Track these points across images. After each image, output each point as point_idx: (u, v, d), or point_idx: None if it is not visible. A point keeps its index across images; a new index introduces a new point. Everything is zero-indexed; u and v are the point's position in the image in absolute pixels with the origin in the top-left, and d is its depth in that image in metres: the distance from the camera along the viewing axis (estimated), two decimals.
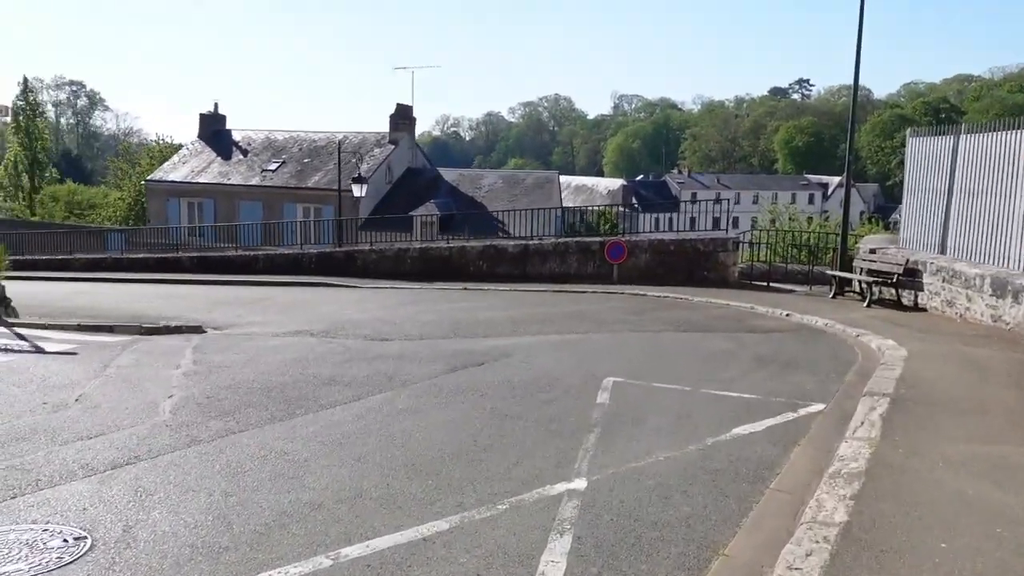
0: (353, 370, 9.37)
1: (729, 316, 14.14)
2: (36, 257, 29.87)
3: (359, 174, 27.38)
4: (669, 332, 12.33)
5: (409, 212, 35.94)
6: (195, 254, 26.58)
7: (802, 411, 7.61)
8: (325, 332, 12.64)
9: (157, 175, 44.58)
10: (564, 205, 43.91)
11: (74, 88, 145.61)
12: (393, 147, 41.92)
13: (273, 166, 42.26)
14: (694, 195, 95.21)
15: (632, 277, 19.77)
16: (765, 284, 18.66)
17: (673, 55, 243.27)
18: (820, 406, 7.81)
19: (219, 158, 43.90)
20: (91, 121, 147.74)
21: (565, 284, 19.91)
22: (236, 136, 45.58)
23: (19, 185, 60.01)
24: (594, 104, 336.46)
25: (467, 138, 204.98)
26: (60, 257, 29.11)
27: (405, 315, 14.55)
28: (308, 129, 45.27)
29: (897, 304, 15.03)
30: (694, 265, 19.25)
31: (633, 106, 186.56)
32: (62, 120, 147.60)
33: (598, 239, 20.63)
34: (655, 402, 7.91)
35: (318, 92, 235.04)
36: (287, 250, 25.33)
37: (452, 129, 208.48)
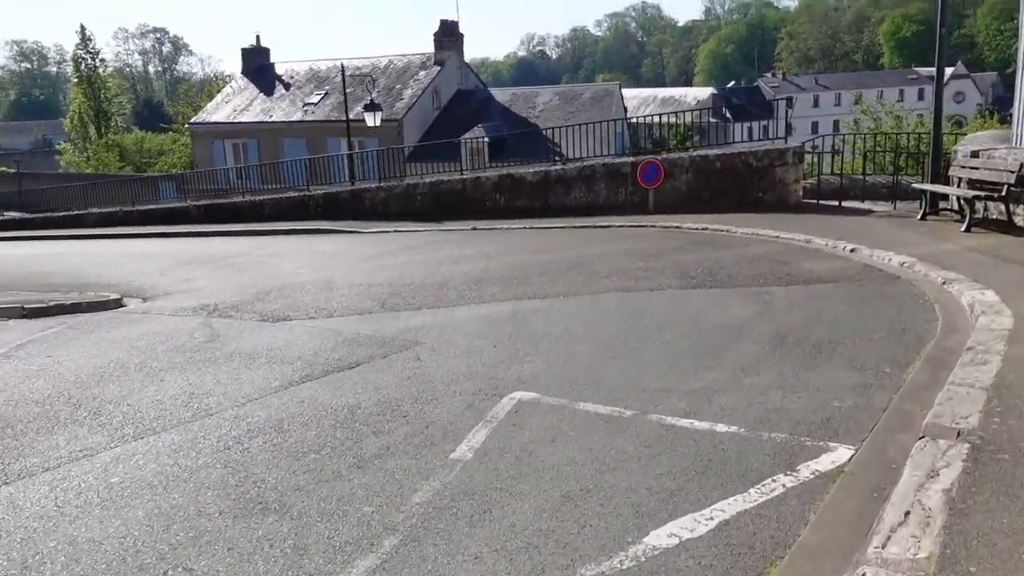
0: (149, 389, 6.43)
1: (771, 256, 10.52)
2: (50, 214, 28.32)
3: (371, 100, 24.20)
4: (673, 290, 8.89)
5: (457, 138, 32.70)
6: (203, 202, 24.26)
7: (809, 469, 4.25)
8: (236, 306, 9.86)
9: (201, 117, 42.64)
10: (635, 117, 39.73)
11: (158, 36, 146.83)
12: (439, 69, 38.51)
13: (315, 99, 39.58)
14: (790, 99, 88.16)
15: (672, 203, 16.15)
16: (836, 204, 14.74)
17: None
18: (845, 451, 4.43)
19: (262, 94, 41.53)
20: (177, 67, 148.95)
21: (591, 217, 16.48)
22: (279, 70, 43.04)
23: (86, 136, 59.54)
24: (684, 9, 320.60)
25: (553, 56, 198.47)
26: (74, 212, 27.36)
27: (359, 274, 11.59)
28: (352, 55, 42.29)
29: (1008, 226, 11.07)
30: (746, 185, 15.45)
31: (726, 8, 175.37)
32: (150, 68, 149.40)
33: (629, 160, 16.97)
34: (554, 454, 4.67)
35: (369, 15, 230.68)
36: (294, 193, 22.65)
37: (538, 48, 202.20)
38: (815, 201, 15.14)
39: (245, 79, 43.12)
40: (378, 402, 5.67)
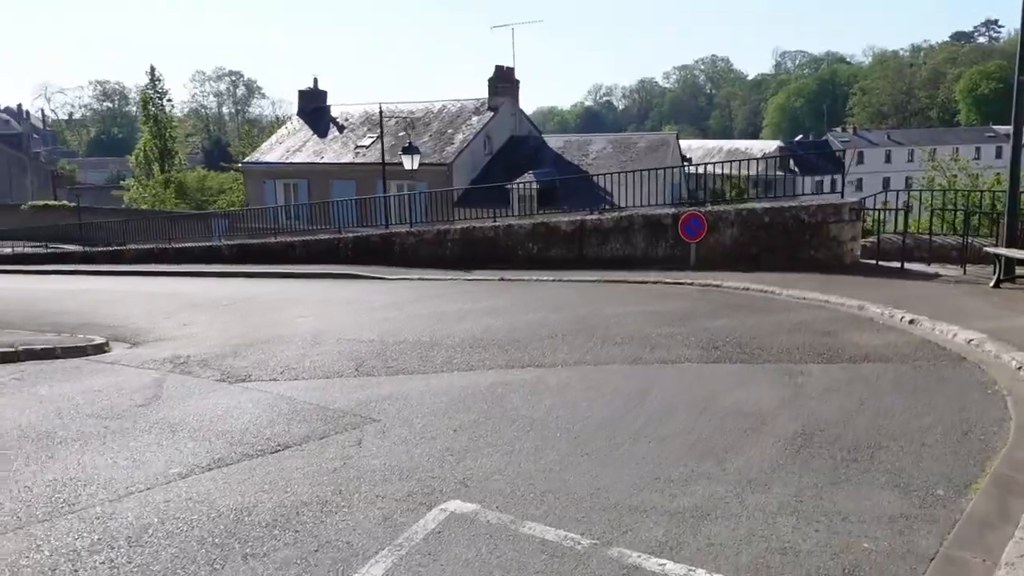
0: (29, 469, 5.39)
1: (814, 325, 9.11)
2: (95, 248, 28.19)
3: (409, 143, 23.46)
4: (691, 364, 7.58)
5: (506, 183, 31.81)
6: (236, 242, 23.69)
7: None
8: (206, 360, 8.90)
9: (254, 156, 42.74)
10: (690, 166, 38.35)
11: (233, 78, 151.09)
12: (492, 114, 37.87)
13: (367, 142, 39.27)
14: (860, 154, 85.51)
15: (716, 259, 14.79)
16: (898, 266, 13.20)
17: (841, 4, 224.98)
18: None
19: (315, 136, 41.45)
20: (249, 109, 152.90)
21: (626, 270, 15.23)
22: (334, 112, 43.00)
23: (150, 173, 60.51)
24: (754, 64, 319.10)
25: (620, 107, 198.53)
26: (113, 248, 27.14)
27: (356, 326, 10.58)
28: (406, 100, 42.05)
29: None
30: (797, 242, 14.01)
31: (796, 63, 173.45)
32: (223, 109, 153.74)
33: (670, 211, 15.69)
34: None
35: (423, 62, 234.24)
36: (325, 236, 21.87)
37: (605, 98, 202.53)
38: (874, 262, 13.62)
39: (300, 120, 43.18)
40: (277, 506, 4.50)
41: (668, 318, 10.01)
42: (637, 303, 11.42)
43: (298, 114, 43.80)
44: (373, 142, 39.19)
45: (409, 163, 22.69)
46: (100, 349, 10.87)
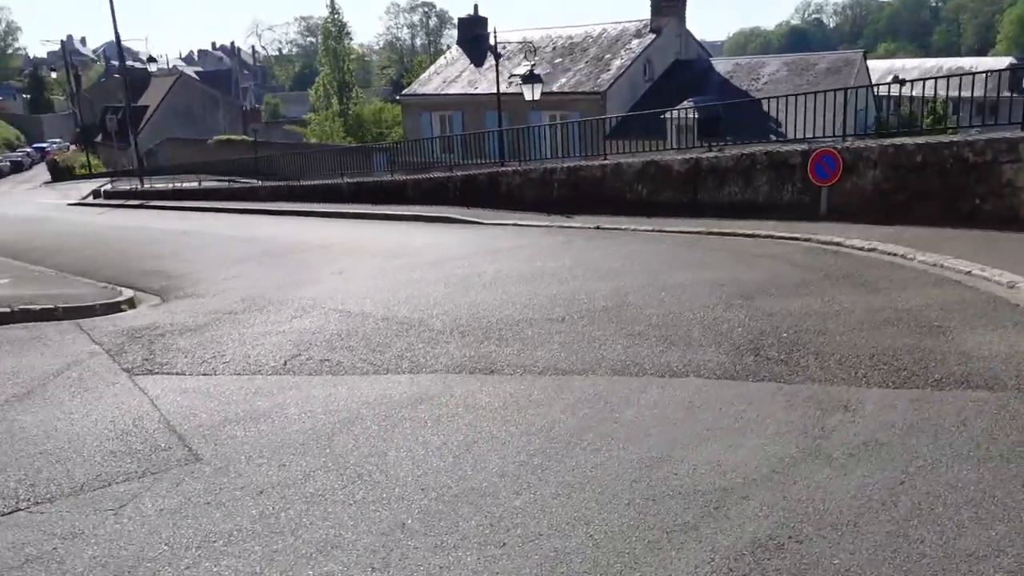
0: None
1: (923, 317, 6.50)
2: (240, 184, 28.44)
3: (530, 71, 21.33)
4: (699, 379, 5.34)
5: (665, 112, 28.94)
6: (355, 180, 22.79)
7: None
8: (163, 334, 7.69)
9: (412, 88, 41.96)
10: (878, 85, 33.57)
11: (425, 9, 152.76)
12: (654, 36, 34.70)
13: (521, 70, 37.25)
14: None
15: (853, 207, 11.90)
16: None
17: None
18: None
19: (472, 65, 40.00)
20: (441, 40, 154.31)
21: (744, 219, 12.69)
22: (492, 40, 41.19)
23: (328, 107, 61.84)
24: None
25: (831, 25, 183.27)
26: (249, 185, 27.21)
27: (379, 288, 9.21)
28: (566, 24, 39.57)
29: None
30: (957, 188, 10.85)
31: None
32: (416, 41, 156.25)
33: (799, 148, 12.78)
34: None
35: None
36: (438, 173, 20.42)
37: (814, 16, 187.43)
38: None
39: (459, 50, 41.81)
40: None
41: (734, 292, 7.66)
42: (716, 267, 9.05)
43: (457, 43, 42.47)
44: (529, 69, 37.15)
45: (529, 93, 20.63)
46: (114, 308, 10.10)
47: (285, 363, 6.30)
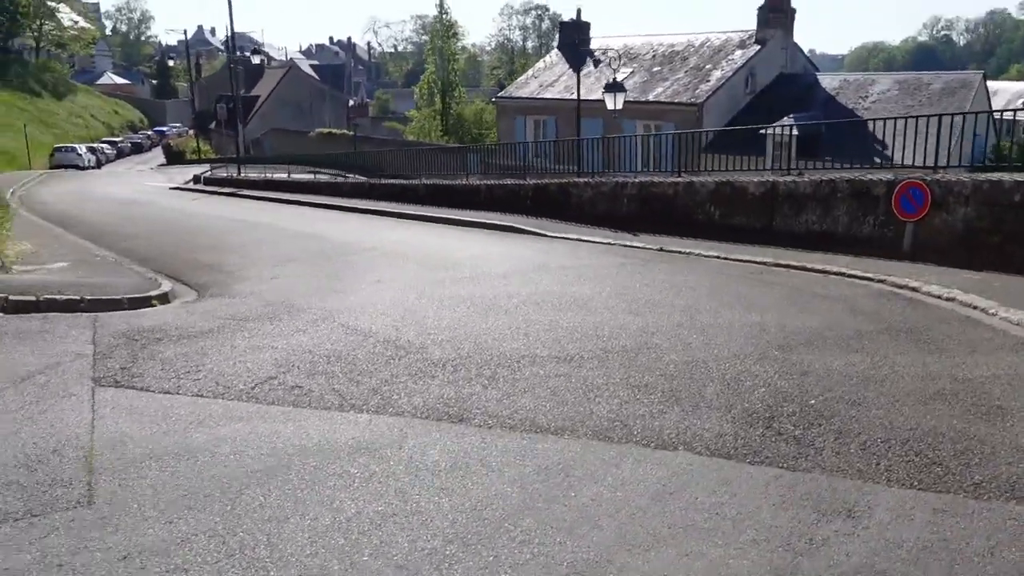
0: None
1: (983, 392, 5.52)
2: (327, 178, 28.57)
3: (614, 78, 20.48)
4: (689, 453, 4.55)
5: (763, 129, 27.61)
6: (430, 182, 22.49)
7: None
8: (163, 338, 7.35)
9: (508, 91, 41.61)
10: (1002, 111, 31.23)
11: (538, 12, 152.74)
12: (758, 48, 33.28)
13: (620, 77, 36.36)
14: None
15: (941, 246, 10.73)
16: None
17: None
18: None
19: (570, 70, 39.27)
20: (553, 43, 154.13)
21: (820, 251, 11.69)
22: (594, 45, 40.49)
23: (432, 104, 62.17)
24: None
25: (960, 43, 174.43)
26: (336, 180, 27.29)
27: (390, 307, 8.60)
28: (670, 32, 38.46)
29: None
30: None
31: None
32: (527, 43, 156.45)
33: (884, 178, 11.61)
34: None
35: None
36: (511, 181, 19.86)
37: (943, 33, 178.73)
38: None
39: (559, 54, 41.20)
40: None
41: (775, 341, 6.79)
42: (766, 308, 8.15)
43: (558, 47, 41.92)
44: (626, 77, 36.25)
45: (611, 102, 19.82)
46: (143, 303, 9.92)
47: (254, 387, 5.82)
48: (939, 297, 8.68)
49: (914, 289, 9.12)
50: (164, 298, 10.34)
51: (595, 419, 5.07)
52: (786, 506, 3.91)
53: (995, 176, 10.39)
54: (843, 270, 10.34)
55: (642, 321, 7.61)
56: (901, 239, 11.19)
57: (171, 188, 34.83)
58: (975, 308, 8.14)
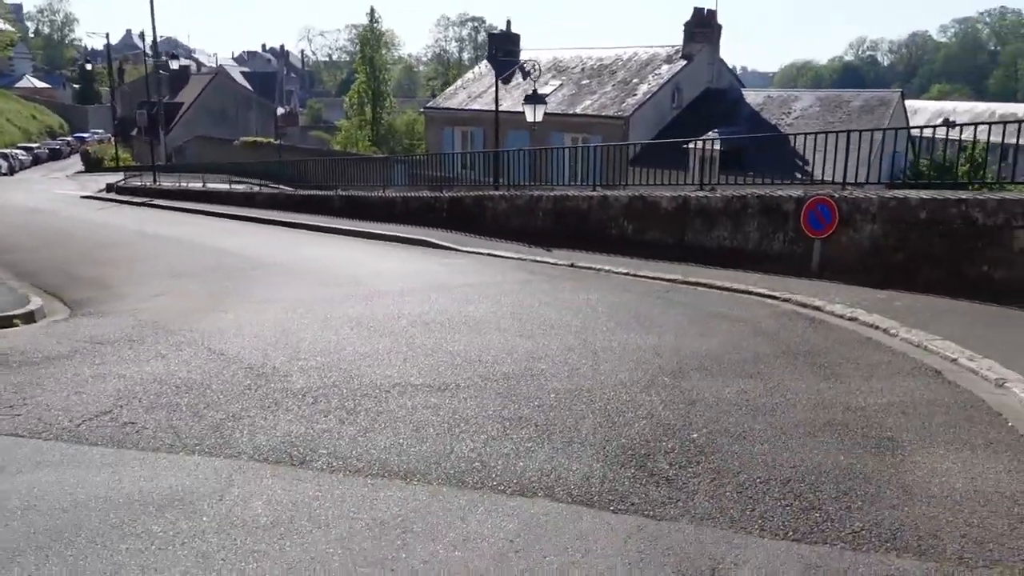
0: None
1: (876, 423, 5.20)
2: (241, 188, 27.64)
3: (534, 90, 20.14)
4: (560, 504, 4.11)
5: (688, 143, 27.56)
6: (347, 194, 21.77)
7: None
8: (49, 360, 6.59)
9: (438, 102, 41.09)
10: (912, 128, 31.99)
11: (475, 24, 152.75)
12: (684, 63, 33.41)
13: (548, 89, 36.19)
14: None
15: (848, 264, 10.56)
16: None
17: None
18: None
19: (499, 82, 38.95)
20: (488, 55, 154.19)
21: (728, 267, 11.43)
22: (523, 57, 40.22)
23: (362, 115, 61.30)
24: None
25: (884, 63, 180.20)
26: (250, 192, 26.36)
27: (296, 338, 7.96)
28: (597, 46, 38.50)
29: None
30: (964, 251, 9.45)
31: None
32: (464, 55, 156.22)
33: (794, 195, 11.45)
34: None
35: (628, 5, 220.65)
36: (427, 193, 19.33)
37: (868, 53, 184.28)
38: None
39: (488, 65, 40.87)
40: None
41: (667, 366, 6.40)
42: (665, 330, 7.77)
43: (488, 59, 41.57)
44: (554, 91, 36.09)
45: (531, 114, 19.42)
46: (4, 323, 9.15)
47: (80, 424, 5.17)
48: (842, 317, 8.44)
49: (818, 308, 8.87)
50: (29, 317, 9.58)
51: (453, 460, 4.57)
52: (644, 565, 3.46)
53: (902, 193, 10.24)
54: (750, 288, 10.07)
55: (532, 344, 7.15)
56: (810, 256, 10.99)
57: (82, 197, 33.35)
58: (876, 328, 7.90)
